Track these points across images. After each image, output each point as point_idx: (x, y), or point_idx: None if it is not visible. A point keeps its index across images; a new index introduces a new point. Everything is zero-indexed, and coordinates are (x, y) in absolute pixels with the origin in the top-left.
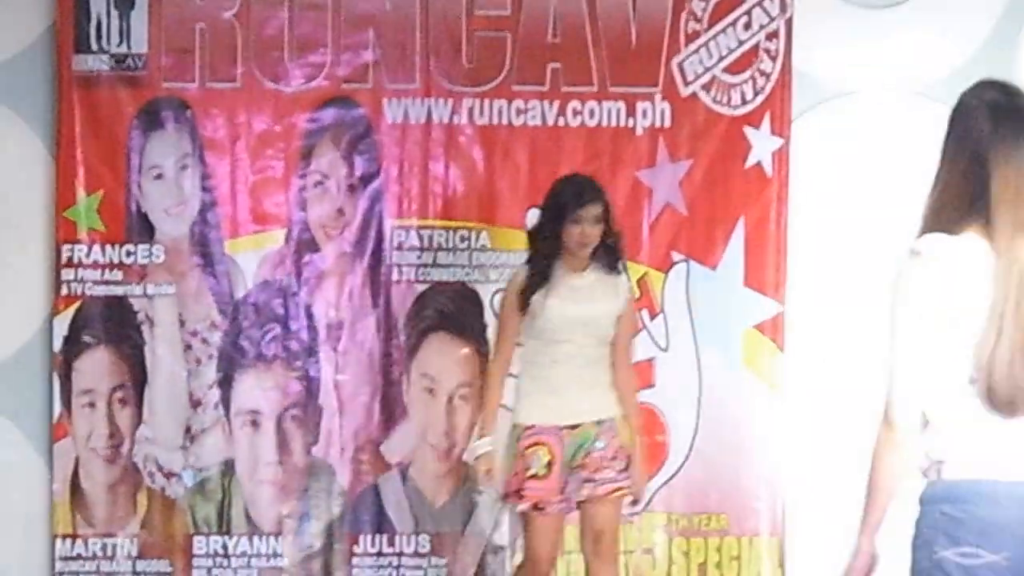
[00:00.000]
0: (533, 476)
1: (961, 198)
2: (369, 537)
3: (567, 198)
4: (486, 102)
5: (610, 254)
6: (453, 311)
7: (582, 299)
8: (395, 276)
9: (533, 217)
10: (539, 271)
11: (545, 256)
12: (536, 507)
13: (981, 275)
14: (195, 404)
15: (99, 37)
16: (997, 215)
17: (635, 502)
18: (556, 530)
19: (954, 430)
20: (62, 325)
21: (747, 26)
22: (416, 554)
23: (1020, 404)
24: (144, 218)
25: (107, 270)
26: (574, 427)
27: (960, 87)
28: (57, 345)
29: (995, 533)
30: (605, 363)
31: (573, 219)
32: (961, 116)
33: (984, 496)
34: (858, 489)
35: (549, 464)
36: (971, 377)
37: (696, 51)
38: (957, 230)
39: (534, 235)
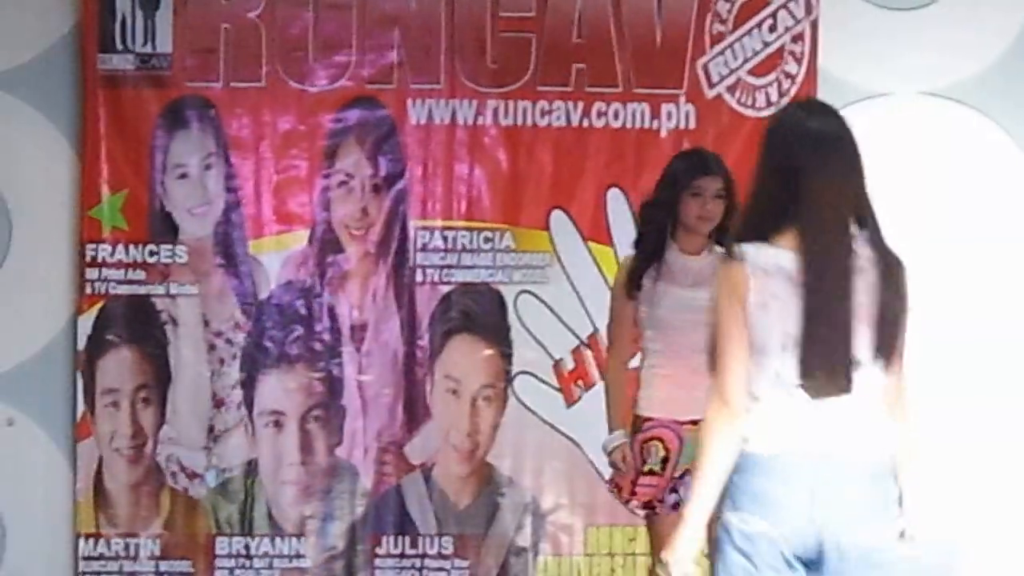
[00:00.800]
0: (648, 472)
1: (775, 208)
2: (392, 538)
3: (686, 168)
4: (510, 103)
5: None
6: (477, 312)
7: (696, 282)
8: (419, 277)
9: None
10: (649, 248)
11: (657, 232)
12: (647, 506)
13: (792, 277)
14: (218, 404)
15: (124, 37)
16: (808, 222)
17: None
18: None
19: (755, 407)
20: (86, 324)
21: (772, 28)
22: (439, 555)
23: (837, 383)
24: (168, 217)
25: (131, 270)
26: (695, 423)
27: (987, 89)
28: (81, 344)
29: (768, 503)
30: None
31: (692, 191)
32: (775, 134)
33: (763, 468)
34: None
35: (664, 461)
36: (782, 368)
37: (721, 53)
38: (771, 237)
39: (647, 208)
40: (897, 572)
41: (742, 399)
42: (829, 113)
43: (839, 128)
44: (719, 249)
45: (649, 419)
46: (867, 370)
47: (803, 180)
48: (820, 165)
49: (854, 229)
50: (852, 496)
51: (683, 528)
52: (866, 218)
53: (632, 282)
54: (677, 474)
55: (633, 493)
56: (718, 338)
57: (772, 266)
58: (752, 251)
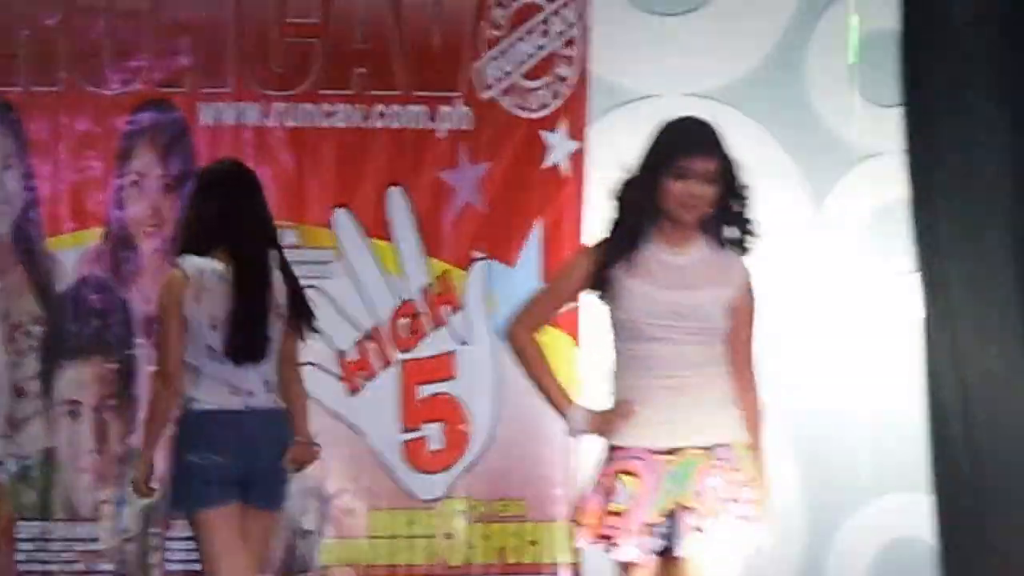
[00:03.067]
0: (613, 512)
1: (209, 229)
2: (182, 522)
3: (669, 144)
4: (295, 106)
5: (735, 221)
6: None
7: (678, 283)
8: None
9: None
10: (621, 238)
11: (632, 220)
12: (611, 548)
13: (222, 278)
14: (18, 394)
15: None
16: (237, 242)
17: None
18: None
19: (199, 375)
20: None
21: (545, 33)
22: None
23: (254, 354)
24: None
25: None
26: (673, 452)
27: (749, 90)
28: None
29: (220, 444)
30: (718, 369)
31: (675, 172)
32: (207, 180)
33: (212, 420)
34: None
35: (634, 497)
36: (211, 342)
37: (496, 57)
38: (206, 249)
39: (624, 189)
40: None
41: (178, 367)
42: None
43: (238, 171)
44: (711, 242)
45: (619, 448)
46: (276, 344)
47: (232, 211)
48: (243, 204)
49: (271, 251)
50: (265, 434)
51: (143, 457)
52: (276, 243)
53: (596, 274)
54: (657, 516)
55: (599, 534)
56: (160, 323)
57: (207, 270)
58: (190, 260)
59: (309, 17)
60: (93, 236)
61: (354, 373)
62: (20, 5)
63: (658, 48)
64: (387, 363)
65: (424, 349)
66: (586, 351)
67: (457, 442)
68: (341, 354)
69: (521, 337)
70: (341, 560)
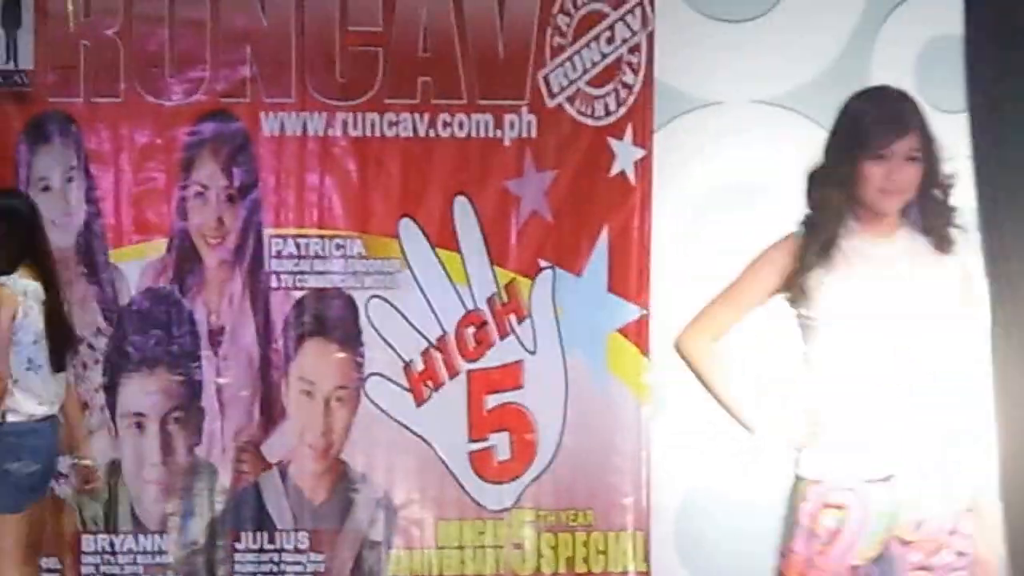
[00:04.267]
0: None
1: (16, 253)
2: (250, 534)
3: (868, 123)
4: (359, 115)
5: (937, 210)
6: (330, 317)
7: (888, 276)
8: (273, 283)
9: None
10: (821, 238)
11: (832, 214)
12: None
13: (38, 297)
14: (82, 407)
15: None
16: (43, 262)
17: None
18: None
19: (16, 388)
20: None
21: (610, 40)
22: (296, 550)
23: (62, 364)
24: None
25: None
26: (887, 479)
27: (815, 98)
28: None
29: (34, 452)
30: (933, 379)
31: (873, 155)
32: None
33: (26, 430)
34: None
35: (838, 532)
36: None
37: (561, 65)
38: (11, 270)
39: (815, 182)
40: None
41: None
42: (21, 193)
43: (28, 198)
44: (920, 229)
45: (818, 482)
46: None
47: (37, 235)
48: (40, 228)
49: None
50: (56, 438)
51: None
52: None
53: (789, 274)
54: (868, 553)
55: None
56: None
57: (29, 289)
58: (12, 280)
59: (372, 25)
60: (157, 248)
61: (421, 383)
62: (80, 16)
63: (723, 54)
64: (454, 373)
65: (491, 359)
66: (653, 359)
67: (525, 452)
68: (407, 364)
69: (695, 349)
70: (409, 571)
